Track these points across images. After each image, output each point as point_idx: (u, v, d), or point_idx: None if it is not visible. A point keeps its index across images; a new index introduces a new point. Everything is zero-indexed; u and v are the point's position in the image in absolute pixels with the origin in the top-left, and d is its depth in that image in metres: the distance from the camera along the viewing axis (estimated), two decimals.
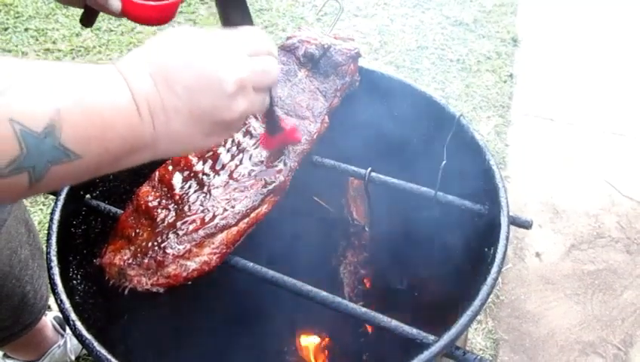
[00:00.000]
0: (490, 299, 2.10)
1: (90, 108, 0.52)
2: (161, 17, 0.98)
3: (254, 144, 0.96)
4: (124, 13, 0.95)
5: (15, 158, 0.47)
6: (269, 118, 0.89)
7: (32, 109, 0.48)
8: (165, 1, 0.97)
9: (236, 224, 0.85)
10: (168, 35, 0.61)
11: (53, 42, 3.15)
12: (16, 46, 3.07)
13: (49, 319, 1.74)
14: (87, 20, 1.00)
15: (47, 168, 0.50)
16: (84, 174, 0.55)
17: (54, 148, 0.49)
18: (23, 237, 1.27)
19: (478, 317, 2.05)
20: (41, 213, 2.22)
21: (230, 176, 0.91)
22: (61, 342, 1.75)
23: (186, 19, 3.37)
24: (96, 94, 0.53)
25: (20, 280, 1.28)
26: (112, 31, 3.25)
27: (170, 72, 0.58)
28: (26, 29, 3.19)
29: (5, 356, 1.69)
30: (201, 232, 0.82)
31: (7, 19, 3.25)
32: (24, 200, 1.46)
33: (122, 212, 0.90)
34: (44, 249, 0.88)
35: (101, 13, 1.00)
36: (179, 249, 0.80)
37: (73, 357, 1.78)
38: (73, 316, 0.77)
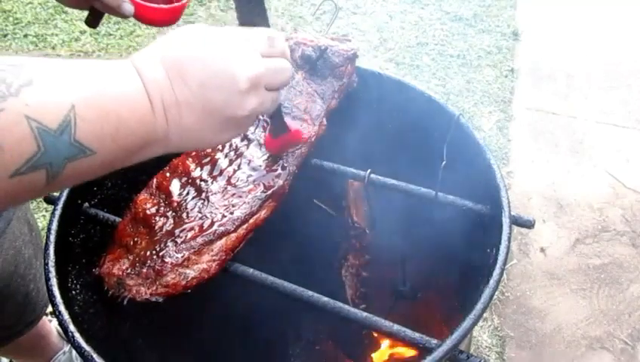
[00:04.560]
0: (495, 296, 2.09)
1: (103, 104, 0.52)
2: (170, 19, 1.01)
3: (252, 149, 0.95)
4: (135, 16, 0.96)
5: (32, 156, 0.47)
6: (275, 118, 0.89)
7: (47, 106, 0.48)
8: (175, 3, 0.99)
9: (235, 230, 0.84)
10: (182, 31, 0.62)
11: (53, 47, 3.15)
12: (16, 52, 3.07)
13: (54, 325, 1.74)
14: (93, 21, 1.01)
15: (63, 165, 0.50)
16: (99, 170, 0.55)
17: (70, 145, 0.50)
18: (26, 236, 1.27)
19: (484, 315, 2.04)
20: (44, 220, 2.22)
21: (228, 182, 0.90)
22: (66, 348, 1.75)
23: (184, 21, 3.36)
24: (110, 89, 0.53)
25: (24, 278, 1.28)
26: (110, 35, 3.24)
27: (184, 67, 0.58)
28: (25, 35, 3.19)
29: None
30: (199, 240, 0.81)
31: (7, 25, 3.25)
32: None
33: (120, 220, 0.90)
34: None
35: (106, 15, 1.02)
36: (177, 257, 0.79)
37: None
38: (72, 327, 0.76)
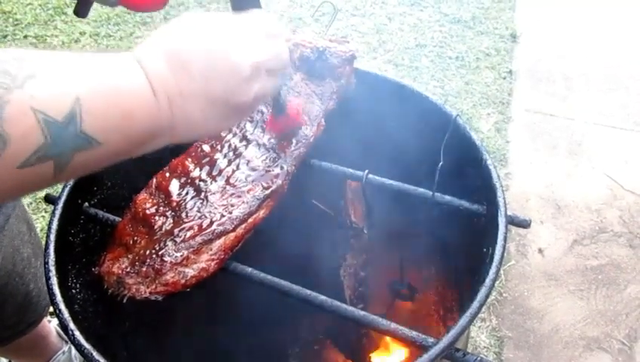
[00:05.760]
0: (493, 297, 2.10)
1: (108, 96, 0.53)
2: (156, 3, 0.99)
3: (251, 149, 0.96)
4: (121, 2, 0.96)
5: (39, 147, 0.48)
6: (276, 101, 0.91)
7: (52, 98, 0.49)
8: None
9: (234, 230, 0.85)
10: (181, 20, 0.62)
11: (52, 49, 3.15)
12: None
13: (53, 326, 1.75)
14: (82, 10, 1.01)
15: (70, 156, 0.51)
16: (106, 160, 0.56)
17: (76, 136, 0.50)
18: (24, 236, 1.28)
19: (482, 315, 2.05)
20: (43, 221, 2.23)
21: (227, 182, 0.91)
22: (65, 348, 1.75)
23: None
24: (113, 82, 0.54)
25: (23, 278, 1.28)
26: (110, 36, 3.25)
27: (185, 57, 0.58)
28: (25, 36, 3.20)
29: None
30: (198, 239, 0.82)
31: (6, 26, 3.26)
32: (23, 200, 1.48)
33: (120, 220, 0.91)
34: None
35: (95, 6, 1.01)
36: (176, 256, 0.80)
37: None
38: (72, 325, 0.77)
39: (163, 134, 0.60)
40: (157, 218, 0.88)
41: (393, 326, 0.76)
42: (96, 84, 0.52)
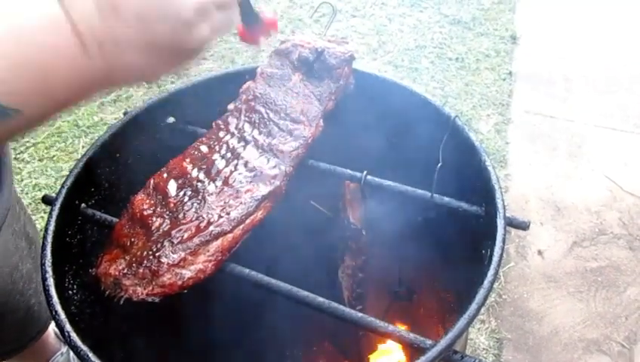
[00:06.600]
0: (492, 298, 2.10)
1: (23, 56, 0.46)
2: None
3: (249, 150, 0.96)
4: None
5: None
6: (245, 9, 0.82)
7: None
8: None
9: (231, 231, 0.85)
10: None
11: None
12: None
13: (51, 327, 1.75)
14: None
15: None
16: (29, 126, 0.51)
17: None
18: (23, 251, 1.26)
19: (481, 317, 2.04)
20: (42, 221, 2.23)
21: (225, 183, 0.91)
22: (64, 349, 1.75)
23: None
24: (33, 38, 0.46)
25: (24, 294, 1.27)
26: None
27: (118, 0, 0.51)
28: None
29: None
30: (195, 240, 0.82)
31: None
32: (26, 209, 1.47)
33: (117, 220, 0.90)
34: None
35: None
36: (173, 257, 0.79)
37: None
38: (68, 327, 0.76)
39: (99, 84, 0.55)
40: (154, 219, 0.87)
41: (391, 328, 0.76)
42: (6, 46, 0.45)
